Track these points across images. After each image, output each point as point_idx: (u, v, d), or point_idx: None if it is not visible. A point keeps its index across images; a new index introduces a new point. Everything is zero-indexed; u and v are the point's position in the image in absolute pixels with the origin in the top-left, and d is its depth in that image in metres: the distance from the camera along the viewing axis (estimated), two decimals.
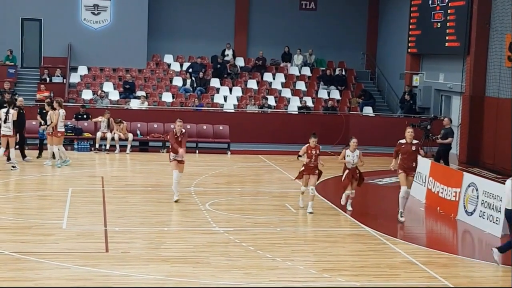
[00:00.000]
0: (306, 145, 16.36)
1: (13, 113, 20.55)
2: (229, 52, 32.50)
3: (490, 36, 25.08)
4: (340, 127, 28.57)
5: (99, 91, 29.04)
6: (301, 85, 32.01)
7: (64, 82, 29.77)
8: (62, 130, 21.52)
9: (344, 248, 13.56)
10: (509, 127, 23.10)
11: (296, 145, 27.02)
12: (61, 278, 11.06)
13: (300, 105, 30.20)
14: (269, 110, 29.69)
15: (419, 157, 18.54)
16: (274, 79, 32.35)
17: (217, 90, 31.04)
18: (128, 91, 29.73)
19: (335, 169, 18.16)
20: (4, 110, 20.59)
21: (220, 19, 33.32)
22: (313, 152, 16.19)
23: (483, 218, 15.35)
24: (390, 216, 16.38)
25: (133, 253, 12.58)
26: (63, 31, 30.86)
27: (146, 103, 28.55)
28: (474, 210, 15.74)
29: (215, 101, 30.19)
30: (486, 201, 15.32)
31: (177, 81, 31.35)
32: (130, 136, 25.02)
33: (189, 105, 29.19)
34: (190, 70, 31.29)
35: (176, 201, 16.70)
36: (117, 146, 24.77)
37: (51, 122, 21.17)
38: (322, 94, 31.50)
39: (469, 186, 16.09)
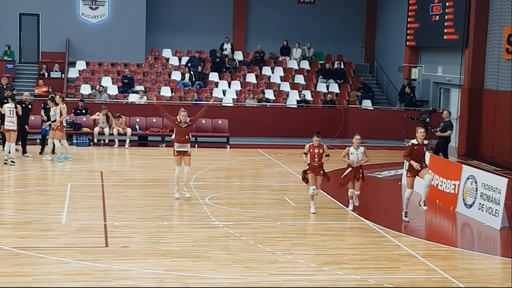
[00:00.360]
0: (309, 143, 15.84)
1: (19, 108, 20.63)
2: (227, 46, 32.48)
3: (488, 28, 25.06)
4: (339, 120, 28.58)
5: (98, 86, 29.02)
6: (300, 79, 31.99)
7: (63, 77, 29.75)
8: (65, 125, 21.70)
9: (343, 241, 13.58)
10: (508, 119, 23.11)
11: (295, 139, 27.17)
12: (61, 273, 11.07)
13: (299, 98, 30.19)
14: (268, 104, 29.69)
15: None
16: (272, 73, 32.33)
17: (216, 84, 31.03)
18: (126, 86, 29.71)
19: (335, 162, 18.16)
20: (8, 105, 20.56)
21: (218, 13, 33.28)
22: (316, 151, 15.58)
23: (482, 210, 15.36)
24: (389, 209, 16.40)
25: (133, 247, 12.59)
26: (61, 26, 30.81)
27: (145, 97, 28.54)
28: (473, 203, 15.74)
29: (213, 95, 30.16)
30: (485, 194, 15.33)
31: (176, 76, 31.33)
32: (129, 130, 25.03)
33: (188, 99, 29.18)
34: (189, 64, 31.27)
35: (177, 199, 16.39)
36: (116, 140, 24.77)
37: (60, 116, 21.21)
38: (321, 87, 31.49)
39: (468, 178, 16.10)
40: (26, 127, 21.54)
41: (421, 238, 14.03)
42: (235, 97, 30.30)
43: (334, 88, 31.46)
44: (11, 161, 20.39)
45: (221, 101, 29.74)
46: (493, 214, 14.99)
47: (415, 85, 30.15)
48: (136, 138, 26.16)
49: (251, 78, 31.75)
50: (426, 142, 15.36)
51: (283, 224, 14.62)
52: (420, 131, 15.10)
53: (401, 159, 20.15)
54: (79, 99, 27.44)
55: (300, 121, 28.39)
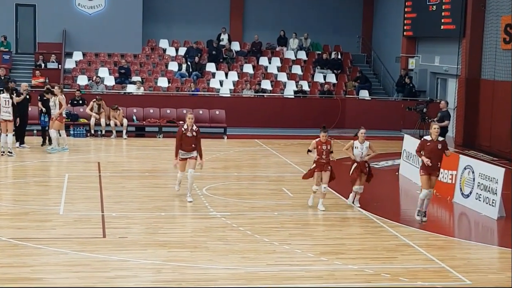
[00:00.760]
0: (316, 139, 15.10)
1: (14, 99, 20.60)
2: (224, 37, 32.42)
3: (485, 18, 25.05)
4: (336, 110, 28.58)
5: (94, 77, 28.97)
6: (297, 69, 31.97)
7: (59, 68, 29.68)
8: (64, 116, 21.70)
9: (341, 231, 13.60)
10: (505, 109, 23.14)
11: (293, 129, 27.22)
12: (58, 263, 11.08)
13: (296, 89, 30.16)
14: (265, 94, 29.68)
15: (416, 140, 18.48)
16: (270, 63, 32.30)
17: (213, 74, 31.00)
18: (123, 76, 29.67)
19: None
20: (4, 95, 20.51)
21: (215, 3, 33.21)
22: (324, 147, 14.93)
23: (480, 200, 15.39)
24: (387, 199, 16.42)
25: (131, 238, 12.60)
26: (58, 16, 30.72)
27: (142, 88, 28.49)
28: (471, 193, 15.77)
29: (211, 85, 30.15)
30: (482, 184, 15.35)
31: (173, 66, 31.28)
32: (125, 121, 24.97)
33: (185, 90, 29.15)
34: (187, 55, 31.23)
35: (178, 191, 15.83)
36: (114, 131, 24.75)
37: (60, 107, 21.19)
38: (318, 78, 31.46)
39: (465, 168, 16.11)
40: (17, 120, 21.29)
41: (419, 228, 14.05)
42: (232, 87, 30.27)
43: (331, 78, 31.44)
44: (8, 152, 20.36)
45: (218, 92, 29.72)
46: (490, 204, 15.02)
47: (412, 75, 30.15)
48: (133, 129, 26.16)
49: (248, 68, 31.71)
50: (441, 139, 14.51)
51: (280, 215, 14.63)
52: (434, 127, 14.28)
53: (398, 149, 20.27)
54: (76, 89, 27.37)
55: (297, 112, 28.41)
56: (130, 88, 28.92)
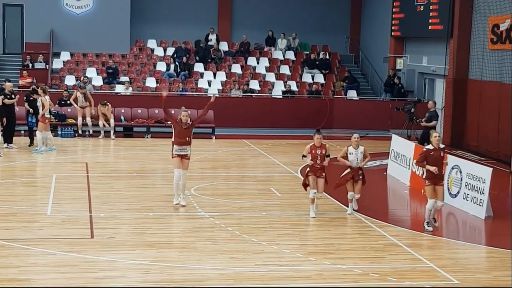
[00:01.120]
0: (310, 144, 14.46)
1: (5, 100, 20.57)
2: (212, 37, 32.39)
3: (473, 18, 25.13)
4: (324, 111, 28.60)
5: (82, 77, 28.86)
6: (285, 69, 31.99)
7: (47, 68, 29.59)
8: (48, 116, 21.54)
9: (329, 231, 13.61)
10: (492, 109, 23.23)
11: (281, 129, 27.21)
12: (46, 264, 11.04)
13: (284, 89, 30.16)
14: (254, 94, 29.67)
15: (404, 140, 18.57)
16: (258, 63, 32.30)
17: (201, 75, 30.97)
18: (111, 77, 29.59)
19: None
20: None
21: (203, 4, 33.17)
22: (318, 152, 14.31)
23: (467, 200, 15.45)
24: (374, 199, 16.44)
25: (119, 238, 12.57)
26: (45, 16, 30.60)
27: (130, 88, 28.42)
28: (458, 192, 15.83)
29: (199, 86, 30.12)
30: (470, 183, 15.41)
31: (161, 66, 31.22)
32: (112, 122, 24.79)
33: (173, 90, 29.11)
34: (175, 55, 31.19)
35: (177, 205, 14.95)
36: (102, 132, 24.67)
37: (43, 109, 21.11)
38: (306, 78, 31.49)
39: (453, 168, 16.16)
40: (4, 120, 21.18)
41: (406, 228, 14.09)
42: (221, 87, 30.25)
43: (320, 78, 31.46)
44: None
45: (207, 92, 29.69)
46: (478, 204, 15.07)
47: (400, 75, 30.22)
48: (121, 129, 26.09)
49: (236, 68, 31.70)
50: (442, 146, 14.13)
51: (269, 215, 14.64)
52: (435, 136, 13.87)
53: (386, 149, 20.32)
54: (63, 89, 27.28)
55: (286, 112, 28.42)
56: (118, 88, 28.84)
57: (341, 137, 24.71)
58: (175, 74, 30.56)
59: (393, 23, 30.69)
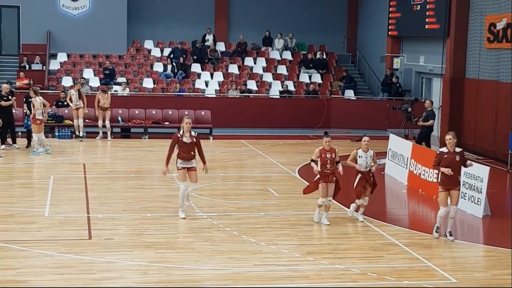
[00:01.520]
0: (319, 147, 13.85)
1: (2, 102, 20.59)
2: (209, 37, 32.38)
3: (469, 17, 25.13)
4: (322, 110, 28.60)
5: (79, 78, 28.82)
6: (282, 69, 31.99)
7: (44, 69, 29.55)
8: (41, 118, 21.39)
9: (327, 231, 13.62)
10: (489, 108, 23.24)
11: (278, 130, 27.20)
12: (44, 266, 11.03)
13: (281, 89, 30.17)
14: (251, 94, 29.67)
15: (401, 140, 18.51)
16: (255, 63, 32.29)
17: (198, 75, 30.96)
18: (108, 77, 29.57)
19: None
20: None
21: (200, 4, 33.16)
22: (328, 156, 13.66)
23: (465, 199, 15.44)
24: (372, 199, 16.42)
25: (117, 239, 12.56)
26: (42, 17, 30.57)
27: (127, 89, 28.39)
28: None
29: (196, 86, 30.11)
30: (467, 183, 15.40)
31: (158, 67, 31.21)
32: (107, 123, 24.65)
33: (171, 90, 29.09)
34: (171, 55, 31.17)
35: (183, 218, 14.19)
36: (100, 132, 24.62)
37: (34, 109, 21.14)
38: (304, 78, 31.48)
39: None
40: (0, 121, 21.17)
41: (404, 227, 14.10)
42: (218, 88, 30.24)
43: (317, 78, 31.47)
44: None
45: (204, 92, 29.68)
46: (475, 203, 15.08)
47: (398, 75, 30.24)
48: (118, 130, 26.07)
49: (233, 69, 31.70)
50: (458, 149, 13.29)
51: (266, 215, 14.64)
52: (449, 138, 13.12)
53: (384, 149, 20.32)
54: (60, 90, 27.25)
55: (283, 112, 28.42)
56: (116, 90, 28.78)
57: (339, 137, 24.70)
58: (172, 74, 30.54)
59: (390, 22, 30.71)
